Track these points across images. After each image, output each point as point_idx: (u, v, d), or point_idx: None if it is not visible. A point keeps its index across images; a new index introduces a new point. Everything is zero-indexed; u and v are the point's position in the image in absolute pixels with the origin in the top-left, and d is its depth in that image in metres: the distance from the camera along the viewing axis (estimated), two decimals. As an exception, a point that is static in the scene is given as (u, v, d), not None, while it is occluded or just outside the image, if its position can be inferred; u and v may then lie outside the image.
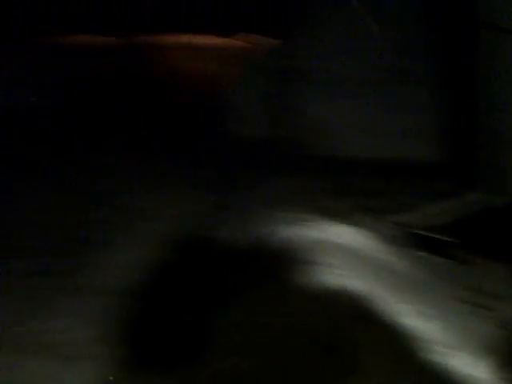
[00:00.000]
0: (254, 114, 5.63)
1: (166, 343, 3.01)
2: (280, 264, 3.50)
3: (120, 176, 5.09)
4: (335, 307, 3.18)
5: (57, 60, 8.31)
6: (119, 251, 3.84)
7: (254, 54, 9.34)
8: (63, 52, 8.74)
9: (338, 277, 3.39)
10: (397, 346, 2.89)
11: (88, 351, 2.92)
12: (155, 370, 2.82)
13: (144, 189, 4.81)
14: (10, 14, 10.04)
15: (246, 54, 9.70)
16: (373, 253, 3.69)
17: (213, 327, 3.07)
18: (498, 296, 3.33)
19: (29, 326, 3.12)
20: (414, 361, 2.80)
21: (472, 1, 4.57)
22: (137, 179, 5.03)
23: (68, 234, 4.10)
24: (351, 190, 4.47)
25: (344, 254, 3.63)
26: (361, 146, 5.10)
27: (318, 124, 5.21)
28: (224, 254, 3.73)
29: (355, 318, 3.10)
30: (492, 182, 4.44)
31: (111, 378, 2.72)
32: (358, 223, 3.96)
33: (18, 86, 7.29)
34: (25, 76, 7.57)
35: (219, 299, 3.27)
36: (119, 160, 5.45)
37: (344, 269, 3.47)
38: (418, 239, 3.83)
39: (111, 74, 8.28)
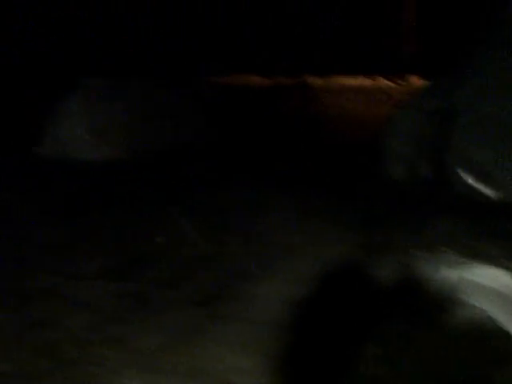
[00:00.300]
0: (407, 156, 5.66)
1: (314, 372, 3.12)
2: (433, 304, 3.54)
3: (270, 212, 5.30)
4: (485, 350, 3.21)
5: (222, 100, 8.64)
6: (266, 284, 3.99)
7: (404, 95, 9.38)
8: (228, 92, 9.03)
9: (491, 320, 3.39)
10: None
11: (243, 378, 3.06)
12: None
13: (294, 225, 4.99)
14: (176, 53, 10.53)
15: (396, 94, 9.76)
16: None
17: (360, 359, 3.16)
18: None
19: (183, 351, 3.29)
20: None
21: None
22: (287, 215, 5.20)
23: (218, 266, 4.32)
24: (509, 235, 4.42)
25: (498, 297, 3.62)
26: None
27: (474, 166, 5.18)
28: (374, 291, 3.78)
29: (506, 361, 3.11)
30: None
31: None
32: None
33: (184, 125, 7.71)
34: (190, 115, 7.95)
35: (368, 333, 3.34)
36: (272, 196, 5.67)
37: (497, 312, 3.47)
38: None
39: (275, 113, 8.57)
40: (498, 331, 3.30)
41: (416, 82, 10.25)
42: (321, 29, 11.29)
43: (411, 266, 3.87)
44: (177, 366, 3.18)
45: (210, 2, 11.15)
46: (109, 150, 7.12)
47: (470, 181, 5.16)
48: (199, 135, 7.55)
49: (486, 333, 3.31)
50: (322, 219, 5.05)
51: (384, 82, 10.44)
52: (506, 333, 3.27)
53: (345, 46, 11.14)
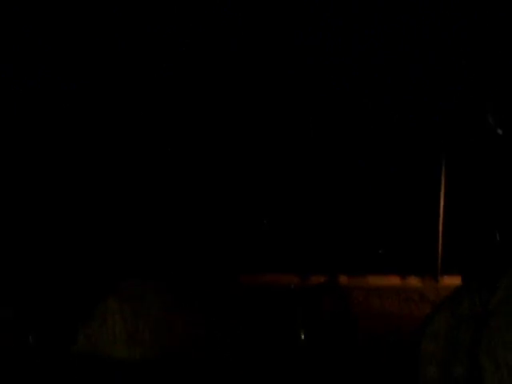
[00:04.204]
0: (440, 357, 5.63)
1: None
2: None
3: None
4: None
5: (252, 300, 8.76)
6: None
7: (436, 294, 9.40)
8: (258, 292, 9.15)
9: None
10: None
11: None
12: None
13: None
14: (208, 252, 10.77)
15: (428, 293, 9.77)
16: None
17: None
18: None
19: None
20: None
21: None
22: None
23: None
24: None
25: None
26: None
27: (507, 368, 5.13)
28: None
29: None
30: None
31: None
32: None
33: (215, 326, 7.78)
34: (221, 316, 8.05)
35: None
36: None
37: None
38: None
39: (305, 312, 8.61)
40: None
41: (448, 281, 10.28)
42: (353, 228, 11.52)
43: None
44: None
45: (239, 203, 11.54)
46: (140, 350, 7.20)
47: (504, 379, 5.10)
48: (229, 336, 7.62)
49: None
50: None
51: (415, 282, 10.48)
52: None
53: (376, 245, 11.29)
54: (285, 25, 10.82)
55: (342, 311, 8.90)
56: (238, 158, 11.46)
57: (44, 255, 10.05)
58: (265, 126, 11.29)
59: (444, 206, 11.29)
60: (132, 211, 11.05)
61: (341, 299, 9.31)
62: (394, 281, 10.46)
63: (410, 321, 7.49)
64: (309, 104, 11.10)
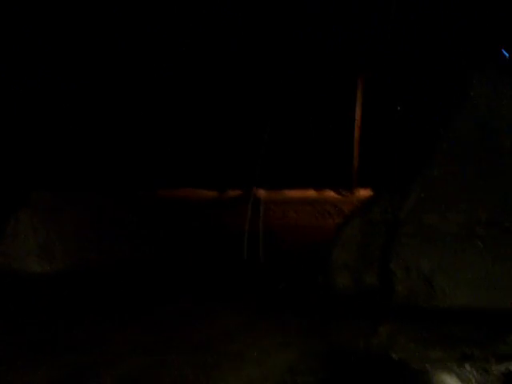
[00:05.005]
0: (352, 264, 5.75)
1: None
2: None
3: (216, 321, 5.31)
4: None
5: (169, 213, 8.78)
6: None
7: (351, 206, 9.57)
8: (166, 205, 9.18)
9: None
10: None
11: None
12: None
13: (238, 332, 4.98)
14: (115, 167, 10.69)
15: (344, 205, 9.96)
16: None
17: None
18: None
19: None
20: None
21: None
22: (231, 323, 5.23)
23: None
24: (454, 340, 4.47)
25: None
26: (464, 298, 5.13)
27: (417, 274, 5.28)
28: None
29: None
30: None
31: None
32: (461, 372, 3.96)
33: (130, 238, 7.77)
34: (136, 229, 8.02)
35: None
36: (219, 308, 5.69)
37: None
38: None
39: (221, 224, 8.69)
40: None
41: (363, 194, 10.48)
42: (270, 144, 11.57)
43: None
44: None
45: (157, 122, 11.45)
46: (52, 264, 7.12)
47: (413, 288, 5.26)
48: (144, 248, 7.63)
49: None
50: (266, 327, 5.07)
51: (331, 194, 10.66)
52: None
53: (294, 160, 11.40)
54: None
55: (259, 224, 8.97)
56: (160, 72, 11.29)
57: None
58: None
59: (359, 121, 11.45)
60: (47, 120, 10.79)
61: (258, 212, 9.37)
62: (310, 194, 10.63)
63: (325, 233, 7.60)
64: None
